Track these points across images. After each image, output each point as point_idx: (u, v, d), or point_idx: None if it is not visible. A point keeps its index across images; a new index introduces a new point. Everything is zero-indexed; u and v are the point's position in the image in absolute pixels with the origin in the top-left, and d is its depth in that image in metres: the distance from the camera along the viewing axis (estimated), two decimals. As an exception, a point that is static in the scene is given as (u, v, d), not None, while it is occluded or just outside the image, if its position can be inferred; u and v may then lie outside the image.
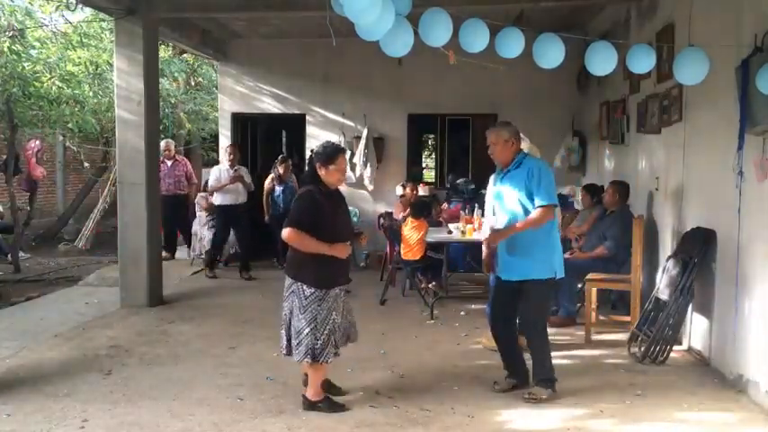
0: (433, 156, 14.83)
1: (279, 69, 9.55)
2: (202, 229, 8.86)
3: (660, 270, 5.31)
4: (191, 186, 9.44)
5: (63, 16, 9.86)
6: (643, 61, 4.01)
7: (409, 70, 8.75)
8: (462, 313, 6.49)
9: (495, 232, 4.20)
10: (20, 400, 4.14)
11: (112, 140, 9.75)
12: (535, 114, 8.74)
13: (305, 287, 3.83)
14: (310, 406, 3.97)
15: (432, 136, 13.92)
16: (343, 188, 9.74)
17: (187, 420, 3.84)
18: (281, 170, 8.41)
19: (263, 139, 10.82)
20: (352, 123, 9.34)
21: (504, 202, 4.23)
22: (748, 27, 4.18)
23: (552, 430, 3.79)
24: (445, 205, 8.64)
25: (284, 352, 3.97)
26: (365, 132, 9.06)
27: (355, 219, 9.04)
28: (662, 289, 5.06)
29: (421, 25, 3.55)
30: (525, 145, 5.24)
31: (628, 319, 5.65)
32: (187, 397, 4.21)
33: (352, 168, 9.10)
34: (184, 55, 11.56)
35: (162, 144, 9.18)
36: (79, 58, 10.06)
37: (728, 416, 3.96)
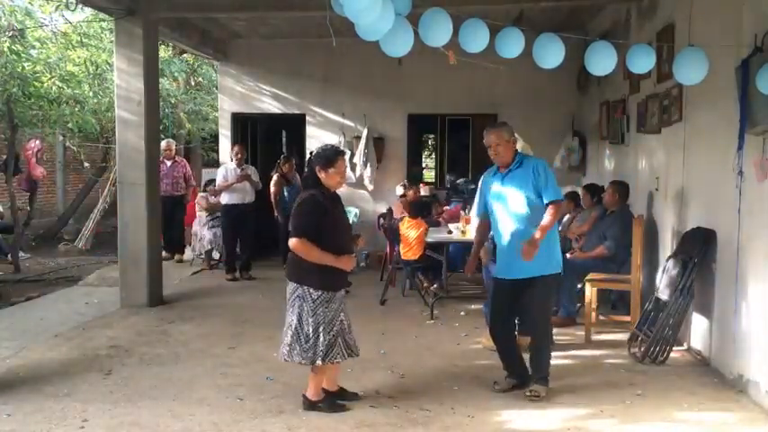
0: (433, 156, 14.84)
1: (279, 69, 9.55)
2: (202, 229, 8.86)
3: (660, 270, 5.31)
4: (188, 188, 9.38)
5: (63, 16, 9.88)
6: (643, 61, 4.01)
7: (409, 70, 8.75)
8: (462, 313, 6.49)
9: (533, 243, 4.02)
10: (20, 400, 4.14)
11: (112, 140, 9.75)
12: (535, 114, 8.74)
13: (312, 290, 3.81)
14: (311, 406, 3.97)
15: (432, 136, 13.93)
16: (342, 188, 9.77)
17: (187, 420, 3.84)
18: (285, 169, 8.40)
19: (263, 139, 10.82)
20: (352, 123, 9.34)
21: (507, 203, 4.22)
22: (748, 27, 4.18)
23: (552, 430, 3.79)
24: (446, 208, 8.64)
25: (285, 358, 3.89)
26: (365, 132, 9.06)
27: (355, 219, 9.05)
28: (662, 289, 5.06)
29: (421, 25, 3.55)
30: (519, 144, 5.24)
31: (628, 319, 5.65)
32: (187, 397, 4.21)
33: (353, 168, 9.09)
34: (184, 55, 11.55)
35: (163, 144, 9.17)
36: (79, 57, 10.07)
37: (728, 416, 3.96)
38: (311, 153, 4.01)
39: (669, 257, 5.16)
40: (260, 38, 9.38)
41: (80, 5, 6.69)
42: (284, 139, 12.08)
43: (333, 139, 9.22)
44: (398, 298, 7.07)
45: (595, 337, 5.55)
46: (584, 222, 6.65)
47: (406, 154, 9.59)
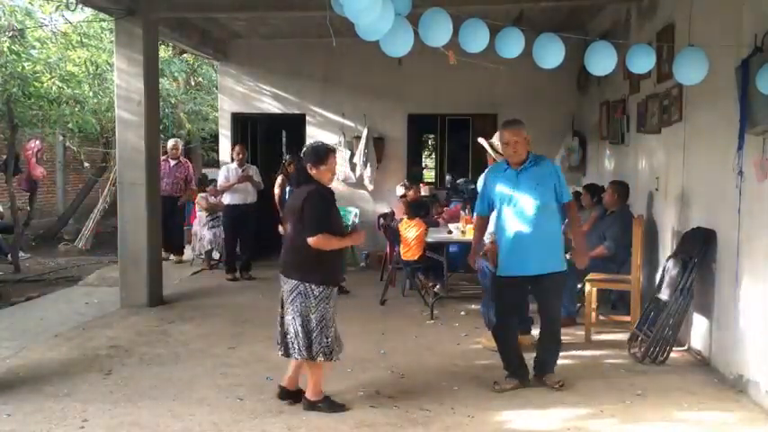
0: (433, 156, 14.84)
1: (279, 69, 9.55)
2: (202, 229, 8.86)
3: (660, 270, 5.31)
4: (187, 190, 9.29)
5: (63, 16, 9.87)
6: (643, 61, 4.01)
7: (409, 70, 8.75)
8: (462, 313, 6.49)
9: (582, 253, 4.46)
10: (20, 400, 4.14)
11: (112, 140, 9.75)
12: (535, 114, 8.71)
13: (314, 287, 3.83)
14: (310, 406, 3.97)
15: (432, 136, 13.94)
16: (342, 188, 9.80)
17: (187, 420, 3.84)
18: (290, 170, 8.37)
19: (263, 139, 10.82)
20: (352, 123, 9.34)
21: (522, 200, 4.21)
22: (748, 27, 4.18)
23: (552, 430, 3.78)
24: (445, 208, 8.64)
25: (296, 356, 3.89)
26: (365, 132, 9.06)
27: (356, 219, 9.06)
28: (662, 289, 5.06)
29: (421, 25, 3.55)
30: None
31: (628, 319, 5.65)
32: (187, 397, 4.21)
33: (352, 168, 9.10)
34: (184, 55, 11.55)
35: (170, 142, 9.18)
36: (79, 58, 10.06)
37: (728, 416, 3.96)
38: (302, 153, 4.03)
39: (669, 257, 5.16)
40: (260, 38, 9.38)
41: (80, 5, 6.69)
42: (284, 139, 12.08)
43: (333, 138, 9.22)
44: (398, 298, 7.07)
45: (595, 337, 5.55)
46: (584, 222, 6.64)
47: (406, 154, 9.59)
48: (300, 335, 3.82)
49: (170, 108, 12.35)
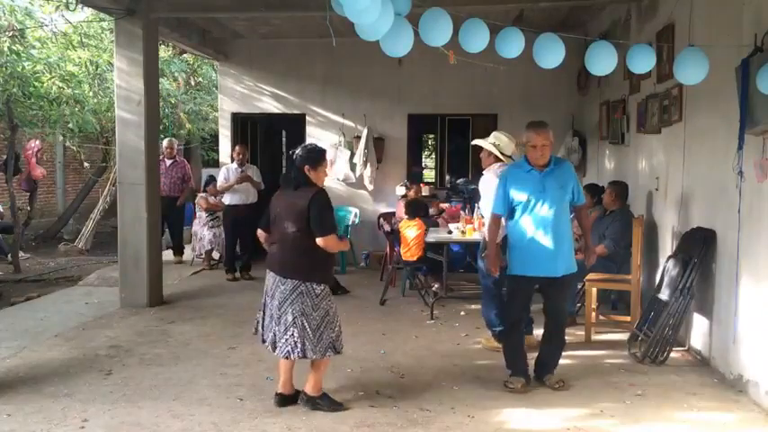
0: (433, 156, 14.83)
1: (279, 69, 9.54)
2: (202, 230, 8.86)
3: (660, 270, 5.31)
4: (185, 189, 9.21)
5: (63, 16, 9.85)
6: (643, 61, 4.01)
7: (409, 70, 8.75)
8: (462, 313, 6.49)
9: (593, 251, 4.56)
10: (20, 400, 4.14)
11: (112, 140, 9.76)
12: (535, 114, 8.59)
13: (314, 286, 3.90)
14: (310, 401, 3.98)
15: (432, 136, 13.92)
16: (342, 188, 9.79)
17: (187, 420, 3.84)
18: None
19: (263, 139, 10.83)
20: (352, 123, 9.34)
21: (547, 202, 4.21)
22: (748, 27, 4.18)
23: (552, 430, 3.79)
24: (445, 205, 8.63)
25: (299, 355, 3.87)
26: (365, 132, 9.06)
27: (356, 219, 9.06)
28: (662, 289, 5.06)
29: (421, 25, 3.55)
30: (506, 141, 5.24)
31: (628, 319, 5.66)
32: (187, 397, 4.21)
33: (352, 168, 9.10)
34: (184, 55, 11.55)
35: (164, 142, 9.13)
36: (79, 58, 10.06)
37: (728, 416, 3.96)
38: (292, 153, 4.05)
39: (669, 257, 5.16)
40: (260, 38, 9.38)
41: (80, 5, 6.69)
42: (284, 139, 12.08)
43: (333, 138, 9.23)
44: (398, 298, 7.07)
45: (595, 337, 5.55)
46: (585, 222, 6.64)
47: (406, 154, 9.58)
48: (309, 334, 3.84)
49: (170, 108, 12.35)
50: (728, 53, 4.24)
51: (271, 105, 9.68)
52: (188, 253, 9.30)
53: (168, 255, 8.90)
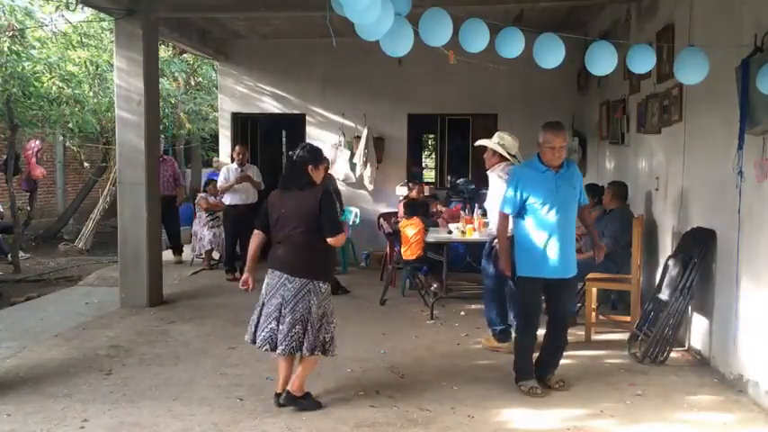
0: (433, 156, 14.82)
1: (279, 69, 9.54)
2: (202, 230, 8.85)
3: (660, 270, 5.31)
4: (178, 188, 9.20)
5: (63, 16, 9.86)
6: (643, 61, 4.01)
7: (409, 70, 8.75)
8: (462, 313, 6.49)
9: (600, 248, 4.52)
10: (20, 400, 4.14)
11: (112, 140, 9.75)
12: (535, 114, 8.67)
13: (321, 284, 3.97)
14: (293, 401, 3.97)
15: (432, 136, 13.92)
16: (343, 188, 9.77)
17: (187, 420, 3.84)
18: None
19: (263, 139, 10.83)
20: (352, 123, 9.34)
21: (561, 203, 4.21)
22: (748, 27, 4.18)
23: (552, 430, 3.79)
24: (443, 208, 8.62)
25: (307, 353, 3.91)
26: (365, 132, 9.06)
27: (356, 219, 9.04)
28: (662, 289, 5.06)
29: (421, 25, 3.55)
30: (512, 143, 5.23)
31: (628, 319, 5.66)
32: (187, 397, 4.21)
33: (352, 168, 9.10)
34: (184, 55, 11.56)
35: None
36: (79, 58, 10.07)
37: (728, 416, 3.96)
38: (292, 154, 4.08)
39: (669, 257, 5.16)
40: (260, 38, 9.38)
41: (80, 5, 6.69)
42: (284, 139, 12.08)
43: (333, 139, 9.23)
44: (398, 298, 7.07)
45: (595, 337, 5.55)
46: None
47: (406, 154, 9.58)
48: (310, 331, 3.88)
49: (170, 108, 12.36)
50: (728, 53, 4.23)
51: (271, 105, 9.68)
52: (188, 253, 9.30)
53: (167, 254, 8.88)
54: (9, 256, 9.35)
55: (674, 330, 4.87)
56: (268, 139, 11.10)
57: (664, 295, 5.00)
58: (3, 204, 10.83)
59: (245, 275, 4.26)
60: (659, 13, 5.89)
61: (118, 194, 6.75)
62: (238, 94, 9.70)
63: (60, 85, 9.64)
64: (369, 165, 9.06)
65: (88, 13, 9.52)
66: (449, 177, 10.38)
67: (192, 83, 13.68)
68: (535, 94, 8.82)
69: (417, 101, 9.32)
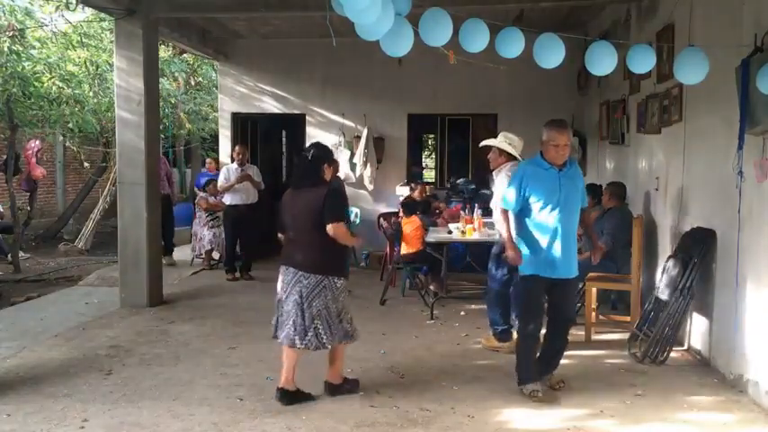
0: (433, 156, 14.82)
1: (279, 69, 9.55)
2: (202, 230, 8.86)
3: (660, 270, 5.31)
4: (171, 186, 9.21)
5: (63, 16, 9.85)
6: (643, 61, 4.00)
7: (409, 70, 8.75)
8: (462, 313, 6.49)
9: (599, 248, 4.57)
10: (20, 400, 4.14)
11: (112, 140, 9.75)
12: (535, 114, 8.67)
13: (336, 279, 4.04)
14: (335, 389, 4.18)
15: (432, 136, 13.91)
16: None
17: (187, 420, 3.84)
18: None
19: (263, 139, 10.83)
20: (352, 123, 9.34)
21: (565, 202, 4.19)
22: (748, 27, 4.18)
23: (552, 430, 3.79)
24: (442, 205, 8.63)
25: (326, 346, 4.05)
26: (365, 132, 9.06)
27: (356, 219, 9.05)
28: (662, 289, 5.06)
29: (421, 25, 3.55)
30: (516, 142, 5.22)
31: (628, 319, 5.66)
32: (187, 397, 4.21)
33: (352, 168, 9.10)
34: (184, 55, 11.56)
35: None
36: (79, 58, 10.06)
37: (728, 416, 3.96)
38: (305, 153, 4.16)
39: (669, 257, 5.16)
40: (260, 38, 9.38)
41: (80, 5, 6.69)
42: (284, 139, 12.08)
43: (333, 139, 9.23)
44: (398, 298, 7.07)
45: (595, 337, 5.55)
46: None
47: (406, 154, 9.59)
48: (330, 325, 4.01)
49: (170, 108, 12.35)
50: (728, 53, 4.23)
51: (271, 105, 9.68)
52: (187, 253, 9.29)
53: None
54: (9, 256, 9.35)
55: (674, 330, 4.87)
56: (268, 139, 11.10)
57: (664, 295, 5.00)
58: (3, 204, 10.83)
59: None
60: (659, 13, 5.89)
61: (118, 194, 6.75)
62: (238, 94, 9.70)
63: (60, 85, 9.63)
64: (369, 165, 9.06)
65: (88, 12, 9.51)
66: (449, 177, 10.37)
67: (192, 83, 13.67)
68: (535, 94, 8.82)
69: (417, 101, 9.33)
